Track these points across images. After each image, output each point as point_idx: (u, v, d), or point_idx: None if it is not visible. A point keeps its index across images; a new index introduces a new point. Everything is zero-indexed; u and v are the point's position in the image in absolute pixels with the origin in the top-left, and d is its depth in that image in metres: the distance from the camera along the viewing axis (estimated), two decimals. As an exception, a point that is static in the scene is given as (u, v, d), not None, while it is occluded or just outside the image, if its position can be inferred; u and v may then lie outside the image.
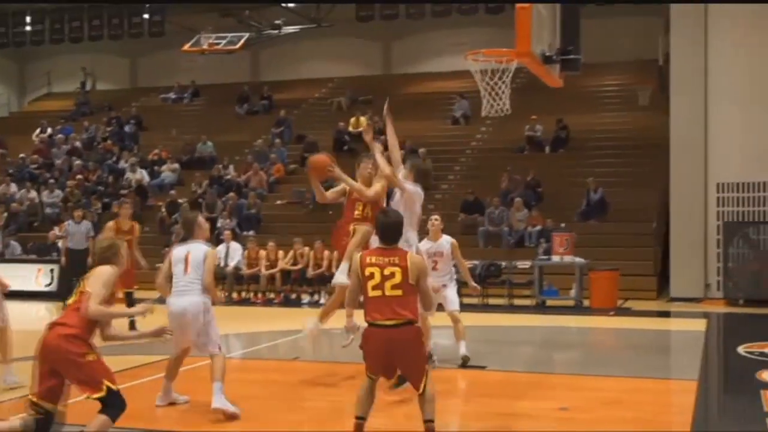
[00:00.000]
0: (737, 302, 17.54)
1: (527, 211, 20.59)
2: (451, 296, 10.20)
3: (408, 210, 8.36)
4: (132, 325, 12.71)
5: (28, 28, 31.90)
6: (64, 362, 5.99)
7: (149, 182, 25.82)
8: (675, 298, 18.37)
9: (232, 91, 31.20)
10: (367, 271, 6.27)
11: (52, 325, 6.17)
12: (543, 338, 14.03)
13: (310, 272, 18.51)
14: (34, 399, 6.02)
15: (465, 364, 9.90)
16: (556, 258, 17.74)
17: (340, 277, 8.75)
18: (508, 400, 8.50)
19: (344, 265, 8.69)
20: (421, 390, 6.28)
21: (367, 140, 8.96)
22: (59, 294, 17.61)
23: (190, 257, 7.62)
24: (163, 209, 23.61)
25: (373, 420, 6.45)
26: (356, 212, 8.89)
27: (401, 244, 6.65)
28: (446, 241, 10.30)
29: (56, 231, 21.30)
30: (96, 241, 6.58)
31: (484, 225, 20.53)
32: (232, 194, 23.49)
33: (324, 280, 18.50)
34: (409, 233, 8.31)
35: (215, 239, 19.37)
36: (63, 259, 17.42)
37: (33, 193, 25.49)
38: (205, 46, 28.84)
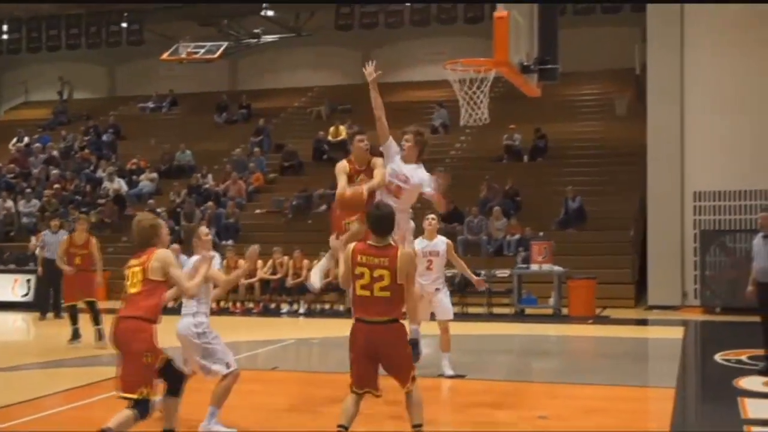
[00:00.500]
0: (714, 310, 17.65)
1: (506, 220, 20.65)
2: (445, 303, 9.97)
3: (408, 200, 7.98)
4: (99, 335, 12.66)
5: (5, 36, 31.78)
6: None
7: (127, 192, 25.68)
8: (653, 306, 18.47)
9: (210, 100, 31.13)
10: (357, 270, 6.31)
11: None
12: (522, 347, 14.06)
13: (289, 281, 18.48)
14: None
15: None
16: (534, 266, 17.80)
17: (314, 277, 8.28)
18: (487, 409, 8.51)
19: (323, 263, 8.33)
20: (408, 388, 6.32)
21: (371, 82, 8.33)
22: (36, 304, 17.48)
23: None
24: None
25: (358, 426, 6.44)
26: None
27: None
28: (442, 241, 10.08)
29: (34, 241, 21.15)
30: (136, 223, 6.47)
31: (463, 234, 20.56)
32: (210, 203, 23.42)
33: (303, 290, 18.48)
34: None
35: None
36: (40, 269, 17.29)
37: (9, 203, 25.29)
38: (183, 55, 28.76)
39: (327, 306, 18.56)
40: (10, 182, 27.02)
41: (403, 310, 6.59)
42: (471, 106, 8.55)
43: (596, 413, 8.31)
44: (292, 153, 26.34)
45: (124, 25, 31.17)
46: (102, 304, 13.12)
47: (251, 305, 18.82)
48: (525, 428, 7.76)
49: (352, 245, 6.51)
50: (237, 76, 33.42)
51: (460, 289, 16.69)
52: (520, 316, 17.46)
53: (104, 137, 29.73)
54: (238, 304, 18.89)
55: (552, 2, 8.73)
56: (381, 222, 6.44)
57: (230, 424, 7.25)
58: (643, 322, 17.18)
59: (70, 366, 11.26)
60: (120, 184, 25.72)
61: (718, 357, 11.56)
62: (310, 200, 23.51)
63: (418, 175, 7.84)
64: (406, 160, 7.88)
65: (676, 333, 14.64)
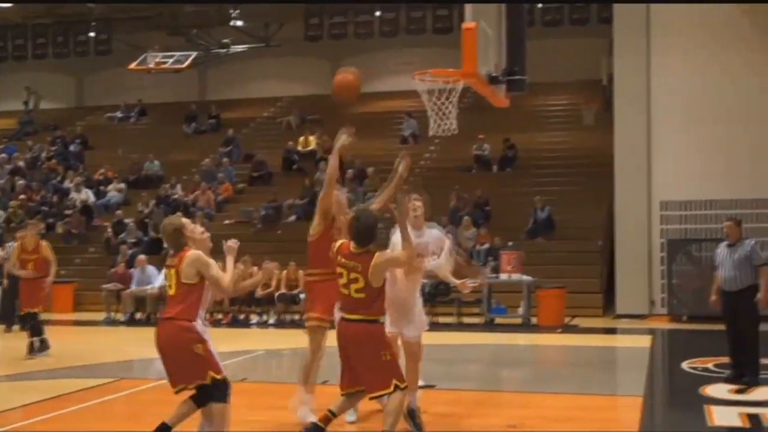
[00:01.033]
0: (681, 318, 17.81)
1: (475, 230, 20.71)
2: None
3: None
4: (31, 348, 12.54)
5: (-30, 46, 31.42)
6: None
7: (95, 202, 25.47)
8: (621, 315, 18.59)
9: (179, 109, 30.97)
10: (338, 269, 6.67)
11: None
12: (491, 356, 14.10)
13: (259, 292, 18.36)
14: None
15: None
16: (504, 276, 17.85)
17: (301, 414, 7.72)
18: (457, 419, 8.52)
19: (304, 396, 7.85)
20: (373, 397, 6.40)
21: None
22: (2, 316, 17.24)
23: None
24: (110, 229, 23.33)
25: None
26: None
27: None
28: (432, 233, 9.61)
29: (1, 253, 20.88)
30: (162, 229, 6.55)
31: (433, 243, 20.56)
32: (179, 214, 23.24)
33: (272, 301, 18.42)
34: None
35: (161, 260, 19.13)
36: (5, 281, 17.07)
37: (-25, 214, 25.00)
38: (152, 65, 28.66)
39: (297, 317, 18.48)
40: (-24, 193, 26.74)
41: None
42: (440, 116, 8.56)
43: (566, 422, 8.36)
44: (261, 163, 26.27)
45: (92, 34, 30.99)
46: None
47: (220, 316, 18.69)
48: (494, 437, 7.78)
49: (338, 243, 6.81)
50: (206, 86, 33.29)
51: (429, 299, 16.69)
52: (489, 326, 17.50)
53: (71, 147, 29.49)
54: (207, 315, 18.73)
55: (520, 1, 8.75)
56: (360, 234, 6.69)
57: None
58: (611, 331, 17.30)
59: (38, 379, 11.12)
60: (87, 195, 25.50)
61: (685, 365, 11.67)
62: (280, 210, 23.44)
63: (432, 237, 8.14)
64: (415, 226, 7.75)
65: (644, 341, 14.77)
